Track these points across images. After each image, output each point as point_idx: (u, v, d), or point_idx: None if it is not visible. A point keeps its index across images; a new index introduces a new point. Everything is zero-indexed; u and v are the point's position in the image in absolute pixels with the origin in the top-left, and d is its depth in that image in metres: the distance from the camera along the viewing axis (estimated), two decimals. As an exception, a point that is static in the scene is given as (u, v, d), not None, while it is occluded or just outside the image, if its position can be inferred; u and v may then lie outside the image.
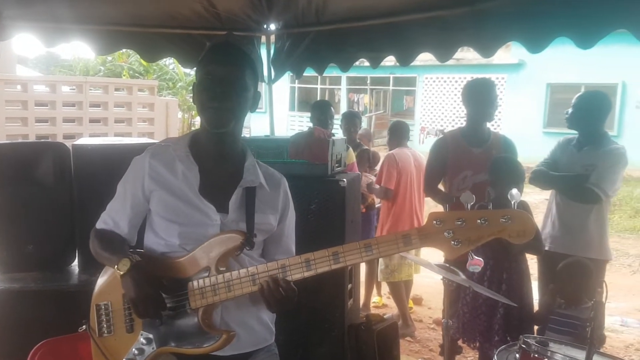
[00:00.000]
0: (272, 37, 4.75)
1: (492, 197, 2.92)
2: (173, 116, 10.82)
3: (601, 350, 2.53)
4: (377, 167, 5.02)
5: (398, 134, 4.96)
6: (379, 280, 5.05)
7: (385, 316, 4.22)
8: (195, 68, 1.79)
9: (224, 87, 1.68)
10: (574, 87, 14.61)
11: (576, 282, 2.98)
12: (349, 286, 3.15)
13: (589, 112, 3.40)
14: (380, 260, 4.77)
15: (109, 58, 17.85)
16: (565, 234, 3.42)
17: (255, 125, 14.01)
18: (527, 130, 14.37)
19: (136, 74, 17.78)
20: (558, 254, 3.25)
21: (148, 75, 17.54)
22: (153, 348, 1.71)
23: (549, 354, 1.98)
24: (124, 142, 3.26)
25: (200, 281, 1.68)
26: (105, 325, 1.78)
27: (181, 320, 1.70)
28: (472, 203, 1.37)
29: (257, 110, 1.82)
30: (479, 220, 1.35)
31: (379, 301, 5.49)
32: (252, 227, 1.74)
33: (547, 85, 15.99)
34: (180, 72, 18.00)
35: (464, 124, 3.70)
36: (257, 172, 1.81)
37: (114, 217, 1.82)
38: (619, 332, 4.88)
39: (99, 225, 1.85)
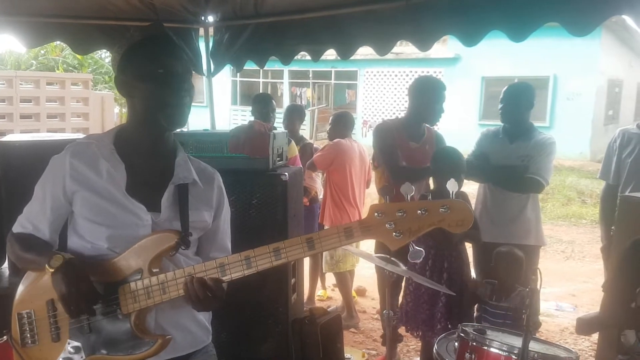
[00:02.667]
0: (211, 30, 4.67)
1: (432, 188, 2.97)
2: (109, 111, 10.47)
3: (536, 336, 2.62)
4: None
5: (341, 125, 4.85)
6: (324, 271, 5.06)
7: (329, 309, 4.24)
8: (124, 58, 1.65)
9: (182, 82, 1.61)
10: (508, 80, 14.94)
11: (509, 271, 3.08)
12: (293, 281, 3.14)
13: (516, 105, 3.50)
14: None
15: (42, 51, 17.06)
16: (500, 224, 3.51)
17: (196, 120, 13.74)
18: (464, 123, 14.74)
19: (70, 68, 17.08)
20: (494, 243, 3.33)
21: (83, 69, 16.88)
22: (82, 357, 1.61)
23: (487, 342, 2.03)
24: (56, 138, 3.11)
25: (132, 284, 1.60)
26: (28, 335, 1.66)
27: (112, 326, 1.61)
28: (411, 194, 1.38)
29: (198, 104, 1.76)
30: (419, 211, 1.36)
31: (324, 294, 5.51)
32: (186, 225, 1.66)
33: (482, 79, 16.45)
34: (116, 65, 17.39)
35: (403, 116, 3.76)
36: (189, 168, 1.73)
37: (33, 221, 1.70)
38: (554, 317, 5.09)
39: (16, 229, 1.72)
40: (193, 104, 1.70)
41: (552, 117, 15.54)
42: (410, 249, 1.41)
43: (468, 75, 16.37)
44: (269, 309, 3.04)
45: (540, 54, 13.85)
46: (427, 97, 3.58)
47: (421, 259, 1.35)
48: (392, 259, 2.45)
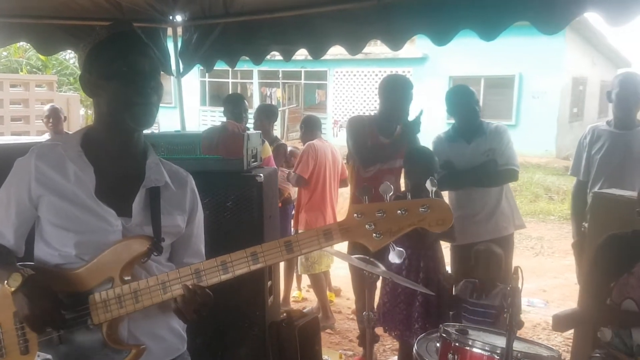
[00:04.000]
0: (179, 30, 4.59)
1: (410, 187, 2.97)
2: (75, 113, 10.22)
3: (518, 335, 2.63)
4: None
5: (311, 127, 4.96)
6: (299, 273, 5.03)
7: (305, 310, 4.21)
8: (90, 56, 1.58)
9: (149, 80, 1.54)
10: (475, 79, 15.35)
11: (489, 269, 3.09)
12: (269, 283, 3.09)
13: (466, 105, 3.57)
14: None
15: (4, 53, 16.59)
16: (476, 222, 3.52)
17: (165, 121, 13.57)
18: (432, 122, 14.82)
19: (34, 70, 16.66)
20: (471, 244, 3.33)
21: (47, 71, 16.48)
22: (53, 370, 1.53)
23: (470, 342, 2.02)
24: (20, 141, 3.01)
25: (103, 293, 1.53)
26: (-5, 348, 1.58)
27: (83, 337, 1.54)
28: (390, 194, 1.35)
29: (166, 105, 1.70)
30: (399, 211, 1.34)
31: (299, 295, 5.48)
32: (159, 230, 1.60)
33: (450, 78, 16.62)
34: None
35: (376, 113, 3.78)
36: (161, 171, 1.67)
37: None
38: (526, 313, 5.15)
39: None
40: (162, 105, 1.64)
41: (518, 115, 15.80)
42: (391, 250, 1.39)
43: (436, 74, 16.51)
44: (245, 312, 2.98)
45: (506, 53, 14.06)
46: (395, 95, 3.61)
47: (401, 260, 1.33)
48: (371, 259, 2.43)
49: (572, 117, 17.16)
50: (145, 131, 1.68)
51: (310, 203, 4.69)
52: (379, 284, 3.40)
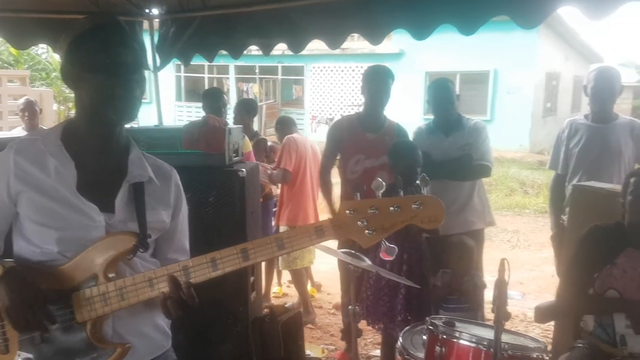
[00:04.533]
0: (156, 23, 4.52)
1: (387, 184, 2.97)
2: (48, 108, 10.02)
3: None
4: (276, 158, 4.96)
5: (287, 125, 4.98)
6: (280, 269, 5.01)
7: (286, 305, 4.19)
8: (71, 47, 1.53)
9: (132, 73, 1.50)
10: (450, 75, 15.41)
11: (462, 260, 3.15)
12: (252, 279, 3.08)
13: (444, 99, 3.60)
14: None
15: (-25, 48, 16.20)
16: (451, 214, 3.55)
17: (140, 117, 13.39)
18: (409, 118, 14.88)
19: (5, 65, 16.29)
20: (444, 236, 3.35)
21: (19, 66, 16.11)
22: (34, 370, 1.49)
23: (457, 335, 2.04)
24: (-7, 138, 2.93)
25: (87, 291, 1.49)
26: (-26, 347, 1.53)
27: (66, 336, 1.50)
28: (382, 190, 1.34)
29: (142, 100, 1.66)
30: (391, 208, 1.33)
31: (279, 291, 5.46)
32: (144, 226, 1.56)
33: (426, 74, 16.72)
34: (54, 61, 16.65)
35: (361, 109, 3.79)
36: (144, 165, 1.63)
37: None
38: (505, 304, 5.23)
39: None
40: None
41: (492, 111, 15.96)
42: (383, 246, 1.38)
43: (412, 70, 16.59)
44: (228, 308, 2.96)
45: (481, 49, 14.19)
46: (373, 83, 3.62)
47: (394, 256, 1.32)
48: (357, 253, 2.43)
49: (545, 112, 17.42)
50: (125, 126, 1.65)
51: (291, 198, 4.67)
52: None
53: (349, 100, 17.17)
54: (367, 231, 1.34)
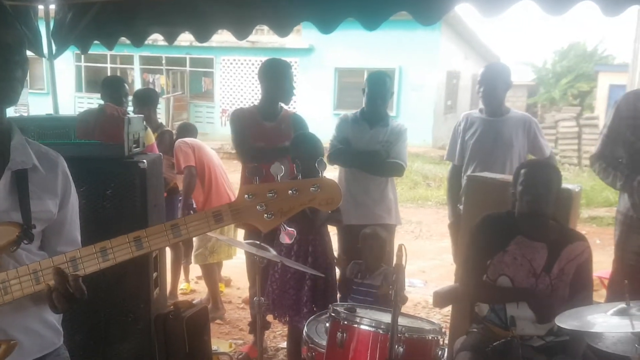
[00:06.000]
0: (52, 10, 4.27)
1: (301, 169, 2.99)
2: None
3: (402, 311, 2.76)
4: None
5: (187, 132, 4.88)
6: (194, 263, 4.86)
7: (194, 302, 4.10)
8: None
9: (12, 54, 1.41)
10: (358, 71, 15.81)
11: (374, 250, 3.21)
12: (155, 275, 2.97)
13: (381, 92, 3.65)
14: (196, 242, 4.63)
15: None
16: (364, 206, 3.64)
17: (36, 109, 12.57)
18: (319, 113, 15.08)
19: None
20: (359, 225, 3.44)
21: None
22: None
23: (357, 320, 2.08)
24: None
25: None
26: None
27: None
28: (281, 174, 1.34)
29: (38, 91, 1.56)
30: (290, 191, 1.33)
31: (187, 287, 5.32)
32: (28, 216, 1.47)
33: (335, 70, 16.98)
34: None
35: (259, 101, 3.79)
36: (27, 152, 1.53)
37: None
38: (407, 293, 5.38)
39: None
40: (32, 91, 1.51)
41: (398, 107, 16.45)
42: (282, 230, 1.37)
43: (322, 66, 16.79)
44: (128, 305, 2.84)
45: (387, 46, 14.63)
46: (269, 75, 3.64)
47: (293, 239, 1.32)
48: (262, 244, 2.42)
49: (446, 109, 18.25)
50: (14, 114, 1.54)
51: (207, 195, 4.54)
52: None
53: (259, 94, 17.04)
54: (266, 215, 1.34)
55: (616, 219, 3.07)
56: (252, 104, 4.03)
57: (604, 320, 2.08)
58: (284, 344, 4.06)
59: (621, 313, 2.05)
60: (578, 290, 2.54)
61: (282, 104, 3.75)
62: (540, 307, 2.45)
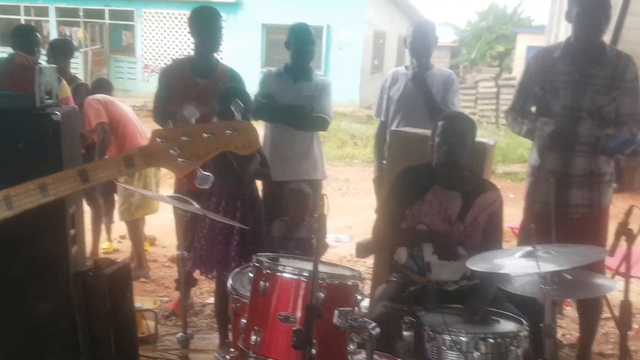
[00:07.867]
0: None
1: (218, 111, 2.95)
2: None
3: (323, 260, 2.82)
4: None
5: (100, 89, 4.66)
6: (120, 219, 4.73)
7: (117, 261, 4.00)
8: None
9: None
10: (286, 28, 15.42)
11: (299, 205, 3.25)
12: (72, 232, 2.87)
13: (305, 44, 3.63)
14: (119, 199, 4.50)
15: None
16: (289, 161, 3.65)
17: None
18: (247, 70, 14.74)
19: None
20: (284, 181, 3.45)
21: None
22: None
23: (280, 268, 2.11)
24: None
25: None
26: None
27: None
28: (197, 117, 1.32)
29: None
30: (205, 135, 1.31)
31: (109, 247, 5.19)
32: None
33: (263, 26, 16.65)
34: None
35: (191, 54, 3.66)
36: None
37: None
38: (334, 247, 5.53)
39: None
40: None
41: (326, 65, 16.42)
42: (198, 174, 1.35)
43: (249, 22, 16.41)
44: (44, 264, 2.73)
45: (314, 4, 14.47)
46: (209, 26, 3.50)
47: (210, 184, 1.30)
48: (185, 198, 2.38)
49: (373, 68, 18.40)
50: None
51: (121, 149, 4.38)
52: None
53: (184, 48, 16.47)
54: (180, 159, 1.31)
55: (527, 172, 3.26)
56: (187, 55, 3.84)
57: (512, 263, 2.23)
58: (210, 299, 4.08)
59: (528, 255, 2.20)
60: (489, 237, 2.69)
61: (219, 59, 3.63)
62: (442, 245, 2.58)
